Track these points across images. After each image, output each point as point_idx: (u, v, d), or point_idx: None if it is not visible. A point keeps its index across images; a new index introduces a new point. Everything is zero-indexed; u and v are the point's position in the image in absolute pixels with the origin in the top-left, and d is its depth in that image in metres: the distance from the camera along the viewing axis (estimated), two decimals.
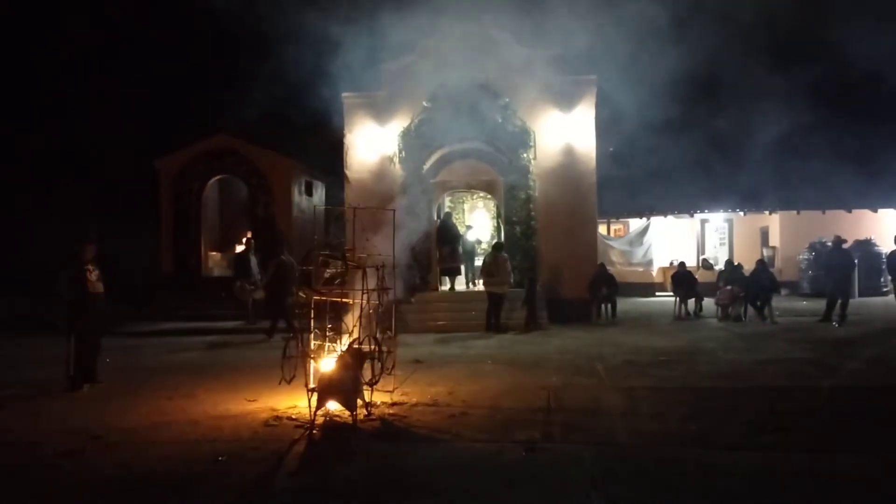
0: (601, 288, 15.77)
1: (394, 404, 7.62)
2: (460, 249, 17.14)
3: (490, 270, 14.76)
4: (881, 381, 8.61)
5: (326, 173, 22.35)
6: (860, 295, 18.91)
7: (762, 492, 4.90)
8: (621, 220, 23.86)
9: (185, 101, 24.93)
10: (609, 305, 15.81)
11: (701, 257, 22.82)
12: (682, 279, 16.77)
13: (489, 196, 18.99)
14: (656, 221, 22.90)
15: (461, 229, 18.37)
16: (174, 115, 24.38)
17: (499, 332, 14.18)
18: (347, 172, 17.21)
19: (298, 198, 20.82)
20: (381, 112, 16.99)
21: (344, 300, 7.59)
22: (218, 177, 20.53)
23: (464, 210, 21.17)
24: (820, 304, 15.20)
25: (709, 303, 16.56)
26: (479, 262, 17.81)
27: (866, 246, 20.45)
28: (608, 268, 17.31)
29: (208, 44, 23.15)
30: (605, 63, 16.37)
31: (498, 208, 17.98)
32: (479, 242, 17.91)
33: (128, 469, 5.70)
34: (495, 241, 15.93)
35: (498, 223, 18.01)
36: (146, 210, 20.80)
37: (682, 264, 17.60)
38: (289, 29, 14.78)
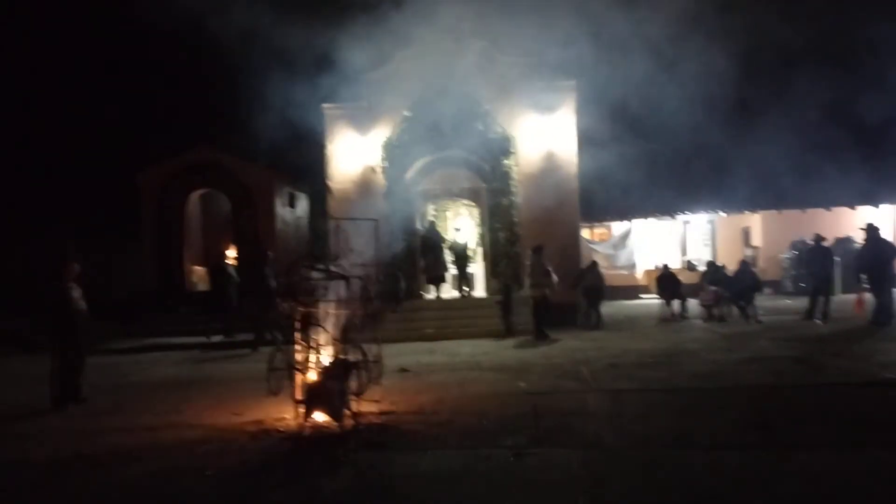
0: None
1: (381, 413, 7.63)
2: (445, 257, 17.13)
3: (528, 274, 14.62)
4: (864, 378, 8.68)
5: (310, 184, 22.32)
6: (842, 292, 19.10)
7: (747, 490, 4.94)
8: (604, 223, 23.97)
9: (165, 115, 24.84)
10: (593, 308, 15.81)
11: (684, 259, 22.98)
12: (666, 281, 16.87)
13: (472, 203, 19.04)
14: (639, 224, 23.05)
15: (447, 235, 18.40)
16: (154, 129, 24.29)
17: (539, 337, 13.79)
18: (330, 183, 17.23)
19: (282, 210, 20.78)
20: (362, 122, 17.05)
21: (328, 311, 7.58)
22: (200, 191, 20.47)
23: (447, 218, 21.22)
24: (802, 303, 15.34)
25: (693, 304, 16.67)
26: (471, 268, 17.78)
27: (846, 244, 20.67)
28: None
29: (188, 57, 23.10)
30: (585, 68, 16.53)
31: (481, 215, 18.03)
32: (469, 248, 17.76)
33: (114, 486, 5.67)
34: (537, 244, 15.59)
35: (482, 230, 18.04)
36: (128, 225, 20.68)
37: (665, 266, 17.70)
38: (269, 41, 14.80)
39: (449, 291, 17.66)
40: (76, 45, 25.21)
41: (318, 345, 7.44)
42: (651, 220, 22.92)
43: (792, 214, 21.40)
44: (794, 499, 4.74)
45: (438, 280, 16.81)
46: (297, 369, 7.24)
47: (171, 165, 20.12)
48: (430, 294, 17.00)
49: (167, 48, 21.84)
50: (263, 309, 13.80)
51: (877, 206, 21.25)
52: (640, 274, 23.12)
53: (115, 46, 25.09)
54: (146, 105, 25.18)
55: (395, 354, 11.68)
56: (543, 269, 14.44)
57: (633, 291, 22.39)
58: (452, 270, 17.71)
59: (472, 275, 17.76)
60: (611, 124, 18.46)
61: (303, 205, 22.99)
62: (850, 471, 5.26)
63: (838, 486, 4.95)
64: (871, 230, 13.82)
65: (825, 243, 15.66)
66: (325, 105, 16.99)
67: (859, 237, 19.78)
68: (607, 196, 20.43)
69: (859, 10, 20.60)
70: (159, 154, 20.70)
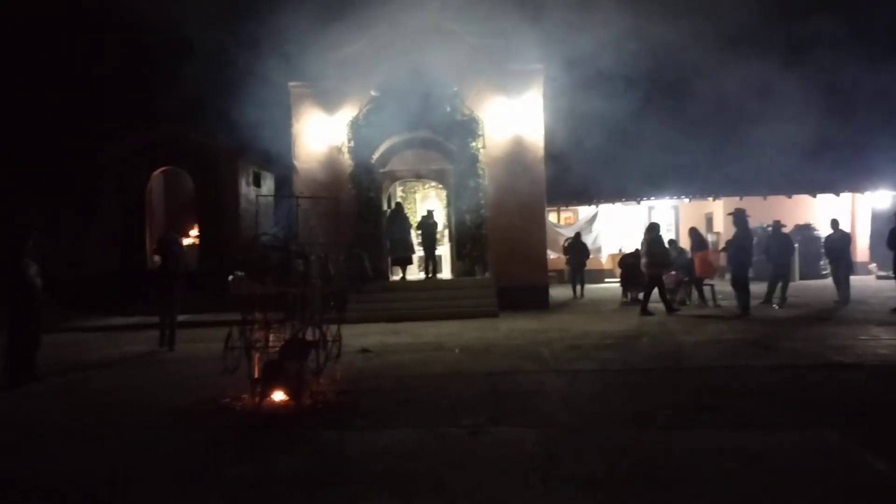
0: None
1: (340, 393, 7.62)
2: (412, 239, 17.11)
3: (643, 252, 14.69)
4: (815, 360, 8.88)
5: (275, 164, 22.08)
6: (801, 278, 19.52)
7: (699, 468, 5.03)
8: (570, 207, 24.14)
9: (127, 93, 24.36)
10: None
11: None
12: (631, 269, 17.00)
13: (440, 185, 19.04)
14: (605, 209, 23.23)
15: (413, 218, 18.40)
16: (117, 107, 23.81)
17: (669, 311, 14.22)
18: (296, 163, 17.08)
19: (246, 189, 20.55)
20: (328, 101, 16.90)
21: (287, 289, 7.54)
22: (162, 168, 20.13)
23: (415, 199, 21.21)
24: (761, 288, 15.61)
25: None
26: (438, 249, 17.78)
27: (806, 230, 21.09)
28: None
29: (151, 32, 22.63)
30: (554, 52, 16.58)
31: (448, 197, 18.03)
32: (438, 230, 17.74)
33: (68, 465, 5.59)
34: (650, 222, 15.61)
35: (449, 212, 18.05)
36: (90, 203, 20.29)
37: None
38: (236, 17, 14.59)
39: (415, 273, 17.69)
40: (35, 22, 24.57)
41: (277, 323, 7.42)
42: (617, 205, 23.13)
43: (753, 201, 21.70)
44: (740, 475, 4.85)
45: (404, 262, 16.81)
46: (255, 348, 7.21)
47: (134, 142, 19.77)
48: (396, 275, 16.99)
49: (130, 25, 21.39)
50: (162, 293, 12.60)
51: (837, 195, 21.67)
52: (604, 258, 23.35)
53: (76, 23, 24.52)
54: (108, 83, 24.67)
55: (359, 335, 11.71)
56: (663, 248, 14.58)
57: (598, 275, 22.63)
58: (419, 252, 17.76)
59: (439, 256, 17.79)
60: (578, 109, 18.56)
61: (269, 184, 22.77)
62: (794, 448, 5.39)
63: (782, 462, 5.07)
64: (739, 215, 13.97)
65: (784, 230, 15.97)
66: (291, 83, 16.83)
67: (820, 224, 20.28)
68: (573, 180, 20.58)
69: None
70: (122, 132, 20.32)
